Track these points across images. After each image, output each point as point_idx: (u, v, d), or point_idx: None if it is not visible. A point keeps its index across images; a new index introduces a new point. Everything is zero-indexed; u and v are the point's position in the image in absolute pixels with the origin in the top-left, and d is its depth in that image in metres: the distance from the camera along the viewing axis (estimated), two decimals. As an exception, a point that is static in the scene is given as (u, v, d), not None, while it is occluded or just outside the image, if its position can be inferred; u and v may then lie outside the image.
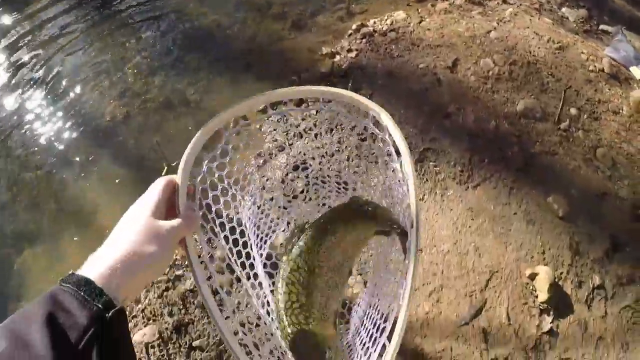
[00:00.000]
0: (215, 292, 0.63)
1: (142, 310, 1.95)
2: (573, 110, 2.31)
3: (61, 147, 2.41)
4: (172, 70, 2.67)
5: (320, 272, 0.80)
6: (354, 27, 2.75)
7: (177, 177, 0.64)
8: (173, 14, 2.98)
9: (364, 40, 2.62)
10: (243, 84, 2.56)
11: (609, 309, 1.81)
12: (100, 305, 0.46)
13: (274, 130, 2.28)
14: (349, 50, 2.58)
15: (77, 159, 2.35)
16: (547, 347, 1.69)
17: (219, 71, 2.63)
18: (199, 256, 0.63)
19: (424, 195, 1.95)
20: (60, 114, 2.54)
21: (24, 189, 2.28)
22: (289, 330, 0.77)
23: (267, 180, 2.06)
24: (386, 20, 2.79)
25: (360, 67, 2.46)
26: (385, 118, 0.77)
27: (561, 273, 1.84)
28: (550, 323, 1.72)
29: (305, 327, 0.76)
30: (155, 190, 0.61)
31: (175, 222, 0.59)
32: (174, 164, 1.78)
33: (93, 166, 2.32)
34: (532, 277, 1.79)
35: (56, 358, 0.41)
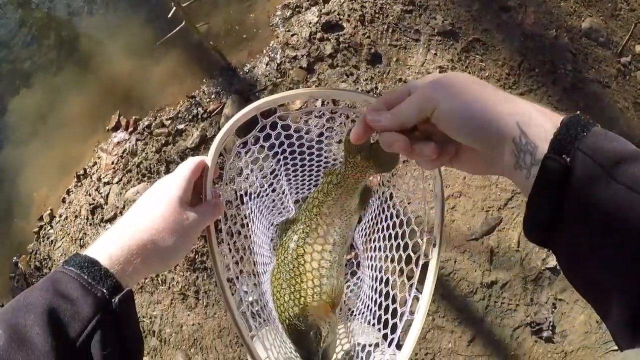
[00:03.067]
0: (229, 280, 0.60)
1: (138, 165, 1.62)
2: (638, 48, 1.99)
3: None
4: None
5: (310, 253, 0.78)
6: None
7: (208, 160, 0.58)
8: None
9: None
10: None
11: (613, 261, 1.67)
12: (104, 290, 0.42)
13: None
14: None
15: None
16: (546, 283, 1.52)
17: None
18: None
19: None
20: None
21: (22, 25, 2.08)
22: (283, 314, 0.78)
23: (293, 35, 1.63)
24: None
25: None
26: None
27: (580, 213, 1.65)
28: (555, 260, 1.55)
29: (296, 310, 0.75)
30: (185, 170, 0.54)
31: (202, 210, 0.53)
32: (185, 4, 1.39)
33: (97, 3, 2.05)
34: (553, 208, 1.57)
35: (55, 358, 0.37)
